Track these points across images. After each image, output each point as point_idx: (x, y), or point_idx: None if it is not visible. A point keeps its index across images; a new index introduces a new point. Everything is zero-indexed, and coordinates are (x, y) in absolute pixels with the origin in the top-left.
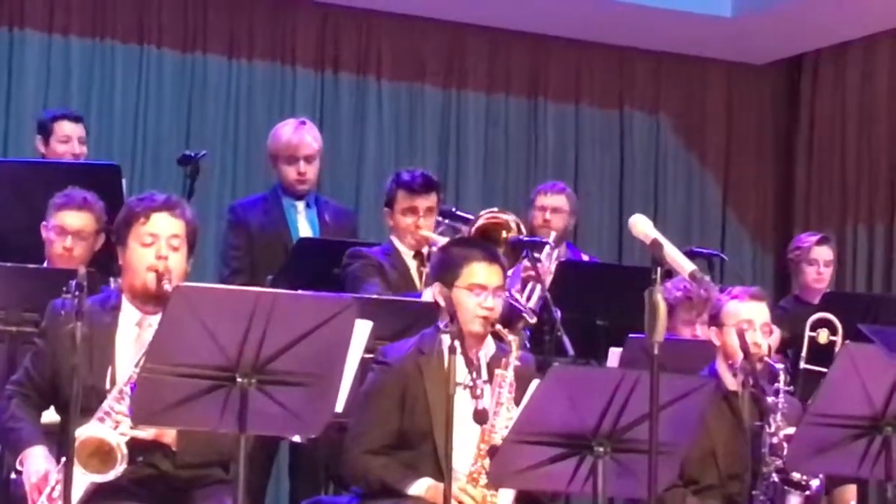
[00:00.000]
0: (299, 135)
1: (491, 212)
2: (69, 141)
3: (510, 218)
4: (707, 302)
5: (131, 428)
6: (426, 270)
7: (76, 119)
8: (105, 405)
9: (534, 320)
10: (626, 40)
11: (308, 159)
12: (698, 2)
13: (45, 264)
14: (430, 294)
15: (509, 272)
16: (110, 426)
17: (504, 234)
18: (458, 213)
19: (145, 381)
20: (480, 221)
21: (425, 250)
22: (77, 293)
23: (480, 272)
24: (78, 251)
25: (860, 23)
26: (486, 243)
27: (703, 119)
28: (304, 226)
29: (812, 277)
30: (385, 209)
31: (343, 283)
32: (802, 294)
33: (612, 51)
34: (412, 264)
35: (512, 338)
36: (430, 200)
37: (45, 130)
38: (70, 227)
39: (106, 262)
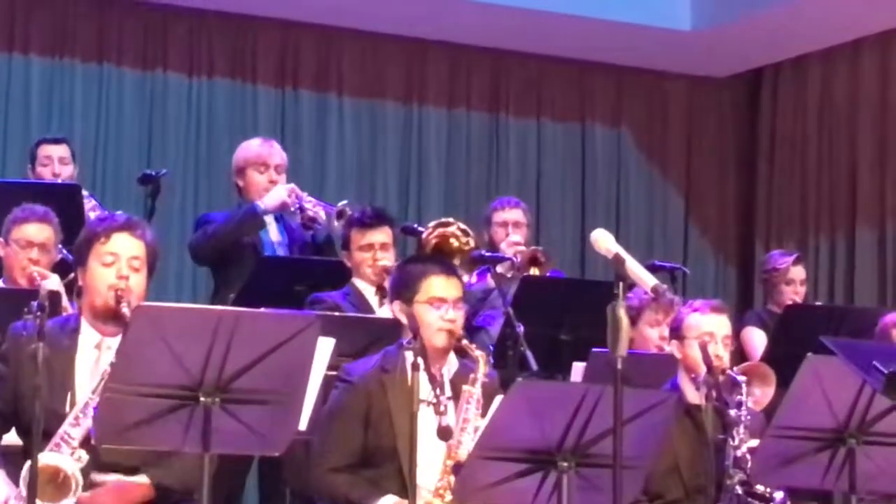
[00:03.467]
0: (269, 145)
1: (438, 224)
2: (50, 163)
3: (452, 229)
4: (672, 304)
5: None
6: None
7: (56, 141)
8: (60, 431)
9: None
10: (586, 54)
11: (278, 169)
12: (658, 15)
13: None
14: (386, 313)
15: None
16: (67, 453)
17: (454, 242)
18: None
19: (108, 400)
20: (431, 241)
21: (387, 284)
22: (39, 314)
23: (439, 285)
24: (43, 263)
25: (819, 36)
26: (442, 258)
27: (664, 132)
28: (274, 234)
29: (790, 297)
30: (343, 253)
31: None
32: (777, 309)
33: (573, 65)
34: (374, 300)
35: (479, 353)
36: (384, 234)
37: (31, 157)
38: (36, 239)
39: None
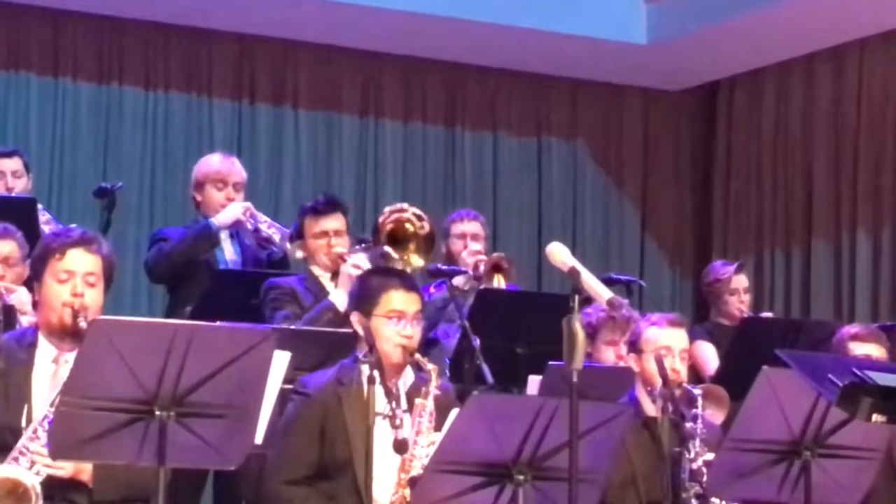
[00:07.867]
0: (229, 162)
1: (392, 210)
2: (3, 177)
3: (407, 214)
4: (630, 322)
5: (46, 466)
6: None
7: (9, 154)
8: (19, 444)
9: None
10: (542, 67)
11: (236, 187)
12: (614, 29)
13: None
14: (339, 295)
15: (433, 288)
16: (25, 466)
17: (409, 227)
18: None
19: (63, 414)
20: (388, 226)
21: (342, 269)
22: None
23: (398, 299)
24: (9, 278)
25: (774, 49)
26: (403, 272)
27: (620, 146)
28: (229, 251)
29: (736, 306)
30: (297, 242)
31: (262, 316)
32: (724, 320)
33: (529, 78)
34: (330, 286)
35: (431, 367)
36: (337, 220)
37: None
38: None
39: None
